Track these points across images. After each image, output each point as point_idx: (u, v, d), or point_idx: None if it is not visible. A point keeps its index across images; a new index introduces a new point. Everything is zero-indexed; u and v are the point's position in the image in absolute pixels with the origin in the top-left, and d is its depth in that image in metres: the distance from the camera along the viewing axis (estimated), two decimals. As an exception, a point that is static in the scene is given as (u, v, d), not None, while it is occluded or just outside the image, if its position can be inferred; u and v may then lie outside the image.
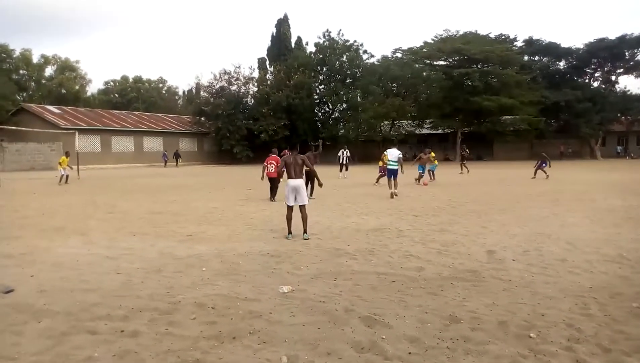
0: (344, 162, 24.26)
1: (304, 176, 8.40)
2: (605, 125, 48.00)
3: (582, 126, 45.92)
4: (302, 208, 8.14)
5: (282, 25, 53.39)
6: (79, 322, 4.25)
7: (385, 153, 17.75)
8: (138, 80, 77.39)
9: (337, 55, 46.80)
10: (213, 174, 29.90)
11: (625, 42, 46.71)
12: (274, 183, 14.00)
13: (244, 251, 7.11)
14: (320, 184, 9.30)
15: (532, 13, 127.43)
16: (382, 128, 45.91)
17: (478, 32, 48.35)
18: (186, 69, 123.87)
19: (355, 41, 47.68)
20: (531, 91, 44.85)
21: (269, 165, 14.03)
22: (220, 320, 4.26)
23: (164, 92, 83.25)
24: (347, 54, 47.08)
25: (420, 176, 19.44)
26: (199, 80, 56.15)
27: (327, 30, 47.90)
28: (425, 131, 49.64)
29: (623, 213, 10.57)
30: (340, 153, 24.61)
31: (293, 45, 52.90)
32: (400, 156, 14.78)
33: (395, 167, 14.65)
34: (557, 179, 20.92)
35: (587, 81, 51.50)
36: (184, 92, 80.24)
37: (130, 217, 10.94)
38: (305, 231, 8.10)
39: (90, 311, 4.53)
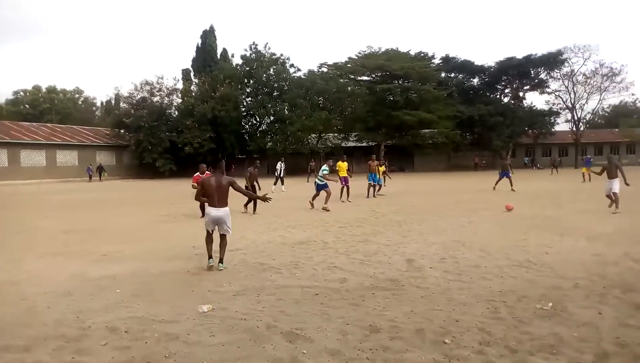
0: (281, 174, 24.10)
1: (227, 205, 6.79)
2: (515, 138, 51.89)
3: (494, 139, 49.32)
4: (223, 237, 6.86)
5: (208, 36, 52.65)
6: (-30, 357, 3.84)
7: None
8: (52, 90, 72.80)
9: (264, 68, 46.79)
10: (134, 189, 28.59)
11: (531, 62, 50.95)
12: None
13: (163, 270, 6.81)
14: (265, 200, 7.30)
15: (448, 32, 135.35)
16: (309, 141, 46.43)
17: (399, 49, 50.67)
18: (105, 79, 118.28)
19: (282, 55, 48.05)
20: (448, 106, 47.56)
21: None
22: (133, 345, 4.03)
23: (80, 103, 78.93)
24: (274, 67, 47.24)
25: (371, 186, 18.62)
26: (119, 91, 53.88)
27: (254, 43, 47.80)
28: (351, 144, 50.88)
29: (530, 220, 11.37)
30: (278, 165, 24.48)
31: (219, 57, 52.26)
32: (324, 171, 15.17)
33: (322, 182, 15.01)
34: (472, 189, 22.19)
35: (498, 96, 55.48)
36: (102, 103, 76.48)
37: (40, 236, 10.18)
38: (221, 261, 6.78)
39: (-15, 343, 4.11)
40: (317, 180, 15.19)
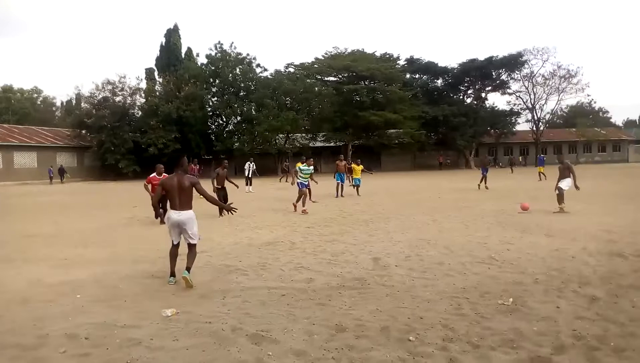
0: (249, 175, 23.95)
1: (191, 208, 6.04)
2: (478, 137, 53.24)
3: (458, 139, 50.52)
4: (190, 247, 6.04)
5: (172, 35, 51.75)
6: None
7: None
8: (8, 89, 70.02)
9: (229, 67, 46.29)
10: (96, 191, 27.82)
11: (492, 63, 52.37)
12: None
13: (126, 274, 6.64)
14: (230, 210, 6.52)
15: (412, 34, 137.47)
16: (277, 141, 46.27)
17: (364, 50, 51.08)
18: (65, 78, 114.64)
19: (248, 54, 47.61)
20: (413, 107, 48.37)
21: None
22: (94, 352, 3.92)
23: (39, 103, 76.31)
24: (240, 67, 46.80)
25: (339, 186, 18.75)
26: (79, 90, 52.28)
27: (219, 42, 47.23)
28: (318, 144, 51.00)
29: (493, 217, 11.66)
30: (246, 166, 24.32)
31: (183, 56, 51.44)
32: (296, 168, 14.87)
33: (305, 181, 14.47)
34: (436, 187, 22.56)
35: (461, 97, 56.73)
36: (62, 103, 74.05)
37: (-7, 242, 9.75)
38: (188, 268, 5.89)
39: None
40: (300, 180, 14.34)
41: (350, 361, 3.65)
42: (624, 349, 3.75)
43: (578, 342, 3.93)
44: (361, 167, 20.18)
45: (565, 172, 12.67)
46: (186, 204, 5.95)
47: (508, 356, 3.69)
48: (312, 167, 14.82)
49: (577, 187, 12.65)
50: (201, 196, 6.14)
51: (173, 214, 5.93)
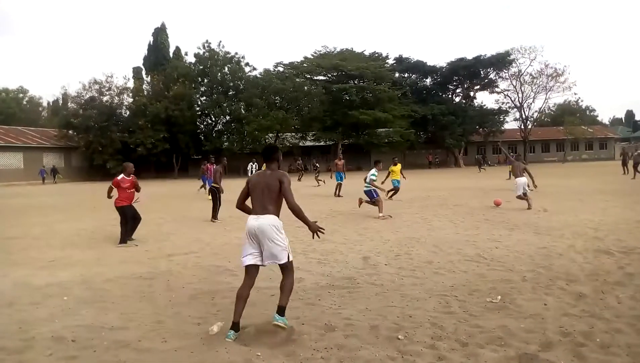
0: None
1: (276, 213, 4.40)
2: (466, 136, 53.60)
3: (447, 137, 50.87)
4: (283, 270, 4.44)
5: (160, 34, 51.55)
6: None
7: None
8: (-7, 89, 69.08)
9: (218, 66, 46.12)
10: (83, 192, 27.52)
11: (480, 62, 52.76)
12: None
13: (114, 275, 6.58)
14: (315, 231, 4.60)
15: (401, 33, 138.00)
16: (266, 140, 46.21)
17: (354, 49, 51.25)
18: (52, 78, 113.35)
19: (236, 53, 47.52)
20: (402, 106, 48.66)
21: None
22: (81, 354, 3.87)
23: (24, 103, 75.47)
24: (229, 65, 46.62)
25: (339, 185, 18.78)
26: (66, 90, 51.78)
27: (207, 41, 46.99)
28: (308, 143, 51.00)
29: (479, 215, 11.74)
30: (249, 166, 24.61)
31: (171, 55, 51.17)
32: (373, 176, 12.50)
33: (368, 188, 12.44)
34: (425, 187, 22.64)
35: (450, 96, 57.18)
36: (48, 103, 73.28)
37: (-22, 244, 9.59)
38: (279, 310, 4.22)
39: None
40: (364, 187, 12.60)
41: (339, 360, 3.65)
42: (609, 345, 3.79)
43: (565, 338, 3.96)
44: (399, 166, 17.57)
45: (518, 170, 12.69)
46: (269, 207, 4.33)
47: (496, 354, 3.70)
48: (376, 172, 12.76)
49: (534, 185, 12.51)
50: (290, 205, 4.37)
51: (250, 220, 4.33)
